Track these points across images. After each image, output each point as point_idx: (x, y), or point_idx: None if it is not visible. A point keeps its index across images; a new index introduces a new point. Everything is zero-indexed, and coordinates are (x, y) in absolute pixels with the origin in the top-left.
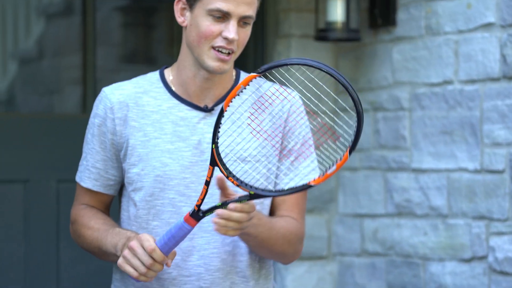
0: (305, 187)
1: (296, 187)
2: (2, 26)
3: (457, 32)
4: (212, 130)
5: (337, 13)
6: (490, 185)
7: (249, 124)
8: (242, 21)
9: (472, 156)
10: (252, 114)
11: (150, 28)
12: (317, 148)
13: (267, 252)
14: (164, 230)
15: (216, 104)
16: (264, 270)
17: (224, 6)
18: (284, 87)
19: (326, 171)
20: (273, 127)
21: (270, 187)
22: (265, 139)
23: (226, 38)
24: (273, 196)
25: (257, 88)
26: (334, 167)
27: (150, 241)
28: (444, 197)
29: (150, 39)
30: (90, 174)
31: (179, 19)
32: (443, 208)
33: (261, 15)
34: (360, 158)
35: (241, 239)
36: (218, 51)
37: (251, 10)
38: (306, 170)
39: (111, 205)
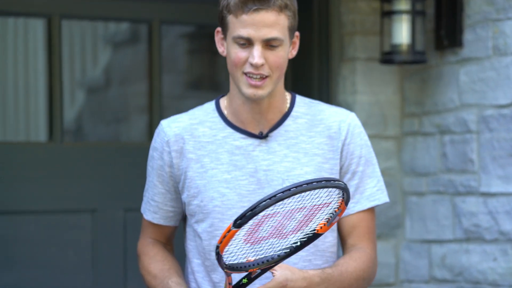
0: (315, 237)
1: (304, 242)
2: (70, 55)
3: None
4: (268, 156)
5: (402, 35)
6: None
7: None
8: (268, 44)
9: None
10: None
11: (215, 54)
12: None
13: None
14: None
15: (271, 130)
16: None
17: (244, 33)
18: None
19: (330, 220)
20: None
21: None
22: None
23: (251, 64)
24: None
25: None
26: (336, 217)
27: None
28: None
29: (215, 65)
30: (150, 207)
31: (220, 49)
32: None
33: (326, 39)
34: (427, 182)
35: None
36: (249, 77)
37: (275, 32)
38: (373, 190)
39: (177, 231)
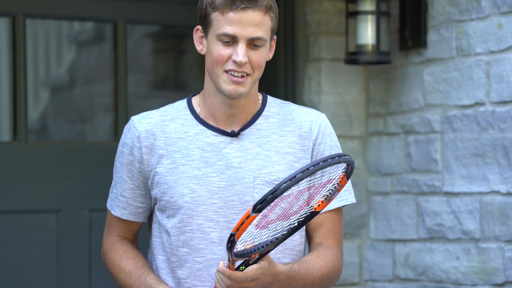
0: (313, 215)
1: (301, 221)
2: (34, 54)
3: (488, 53)
4: (240, 154)
5: (367, 36)
6: None
7: None
8: (252, 43)
9: (505, 179)
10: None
11: (180, 54)
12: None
13: None
14: (194, 257)
15: (243, 128)
16: None
17: (230, 30)
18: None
19: (329, 197)
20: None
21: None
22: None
23: (235, 61)
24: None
25: None
26: (336, 192)
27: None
28: (477, 220)
29: (181, 65)
30: (119, 202)
31: (198, 47)
32: (476, 232)
33: (291, 39)
34: (392, 182)
35: None
36: (231, 74)
37: (259, 32)
38: (341, 191)
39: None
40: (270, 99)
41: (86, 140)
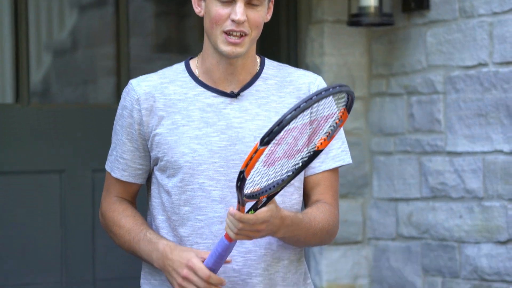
0: (316, 154)
1: (305, 161)
2: (36, 18)
3: (491, 14)
4: (240, 114)
5: None
6: None
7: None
8: (250, 2)
9: (508, 138)
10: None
11: (182, 17)
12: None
13: (304, 245)
14: (196, 215)
15: (242, 89)
16: (300, 251)
17: None
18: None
19: (331, 134)
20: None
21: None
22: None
23: (233, 21)
24: (282, 186)
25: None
26: (337, 128)
27: (202, 269)
28: (480, 179)
29: (183, 28)
30: (119, 164)
31: (196, 9)
32: (479, 191)
33: (294, 1)
34: (395, 142)
35: (277, 238)
36: (229, 35)
37: None
38: (338, 151)
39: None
40: (268, 61)
41: (88, 102)
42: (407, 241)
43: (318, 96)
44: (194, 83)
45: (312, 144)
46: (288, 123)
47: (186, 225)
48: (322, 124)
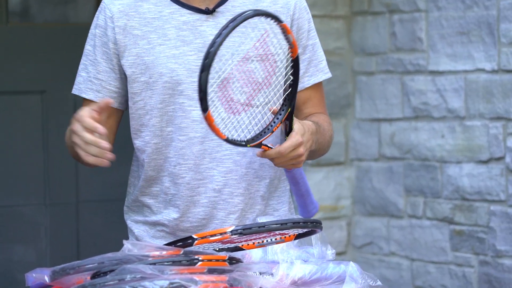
0: (296, 62)
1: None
2: None
3: None
4: (216, 31)
5: None
6: (507, 85)
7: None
8: None
9: (489, 56)
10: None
11: None
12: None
13: (318, 155)
14: (178, 135)
15: (217, 5)
16: (279, 171)
17: None
18: None
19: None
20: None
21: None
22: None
23: None
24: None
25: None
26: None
27: (82, 116)
28: (462, 99)
29: None
30: (92, 85)
31: None
32: (461, 110)
33: None
34: (377, 61)
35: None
36: None
37: None
38: (324, 63)
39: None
40: None
41: (68, 21)
42: (390, 161)
43: (238, 18)
44: (168, 0)
45: (285, 58)
46: (214, 55)
47: (170, 146)
48: (269, 41)
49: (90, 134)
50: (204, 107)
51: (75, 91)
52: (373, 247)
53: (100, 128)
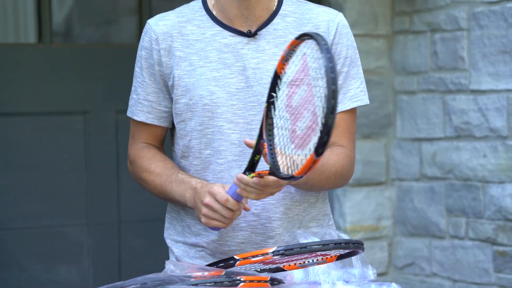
0: (289, 178)
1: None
2: None
3: None
4: (257, 54)
5: None
6: None
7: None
8: None
9: None
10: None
11: None
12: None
13: (318, 189)
14: (216, 159)
15: (259, 28)
16: (321, 194)
17: None
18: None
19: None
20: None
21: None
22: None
23: None
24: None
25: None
26: (309, 157)
27: (221, 193)
28: (504, 118)
29: None
30: (143, 107)
31: None
32: (503, 129)
33: None
34: (418, 81)
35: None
36: None
37: None
38: (356, 91)
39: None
40: None
41: (111, 42)
42: (431, 181)
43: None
44: (211, 22)
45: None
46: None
47: (209, 169)
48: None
49: (228, 212)
50: (322, 151)
51: (128, 113)
52: (414, 268)
53: (248, 207)
